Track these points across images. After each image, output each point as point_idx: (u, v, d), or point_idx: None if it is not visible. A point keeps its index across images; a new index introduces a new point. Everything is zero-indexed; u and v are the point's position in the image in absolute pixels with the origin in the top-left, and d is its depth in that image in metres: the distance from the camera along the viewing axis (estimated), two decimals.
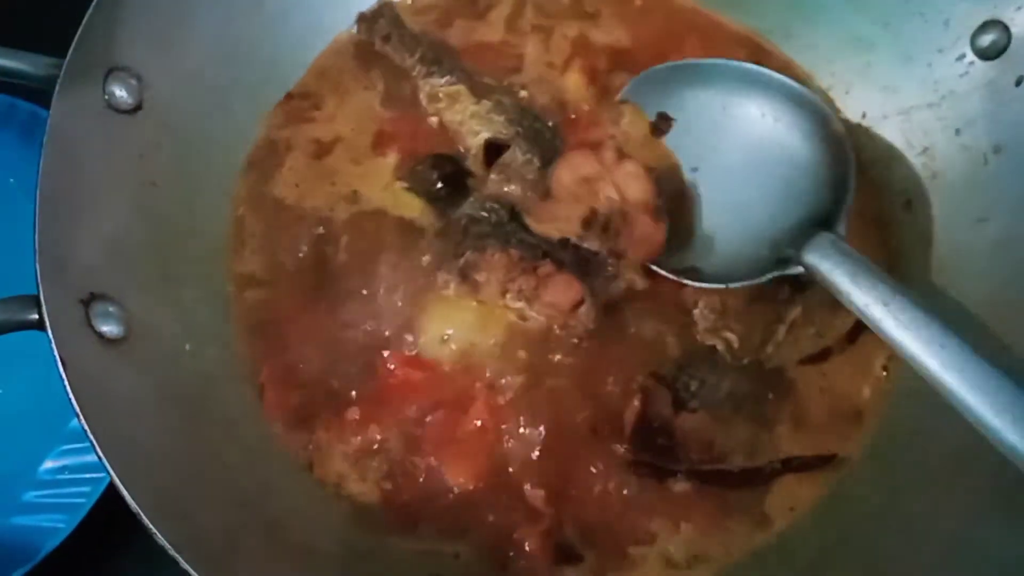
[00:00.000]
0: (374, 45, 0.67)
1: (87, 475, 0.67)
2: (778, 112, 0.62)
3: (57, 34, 0.51)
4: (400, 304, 0.59)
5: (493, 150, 0.62)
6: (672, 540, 0.55)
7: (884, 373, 0.59)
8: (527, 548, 0.54)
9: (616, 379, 0.57)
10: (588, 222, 0.57)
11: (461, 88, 0.64)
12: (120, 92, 0.54)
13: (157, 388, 0.52)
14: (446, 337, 0.58)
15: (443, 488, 0.56)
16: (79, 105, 0.51)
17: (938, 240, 0.61)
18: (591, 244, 0.57)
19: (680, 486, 0.56)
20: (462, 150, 0.64)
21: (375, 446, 0.57)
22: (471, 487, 0.56)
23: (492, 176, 0.61)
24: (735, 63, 0.63)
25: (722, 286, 0.58)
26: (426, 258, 0.60)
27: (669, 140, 0.64)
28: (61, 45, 0.51)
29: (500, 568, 0.55)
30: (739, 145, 0.62)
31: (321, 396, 0.58)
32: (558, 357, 0.58)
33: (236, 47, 0.63)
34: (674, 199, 0.61)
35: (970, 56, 0.60)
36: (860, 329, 0.59)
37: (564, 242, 0.58)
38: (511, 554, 0.55)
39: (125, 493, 0.43)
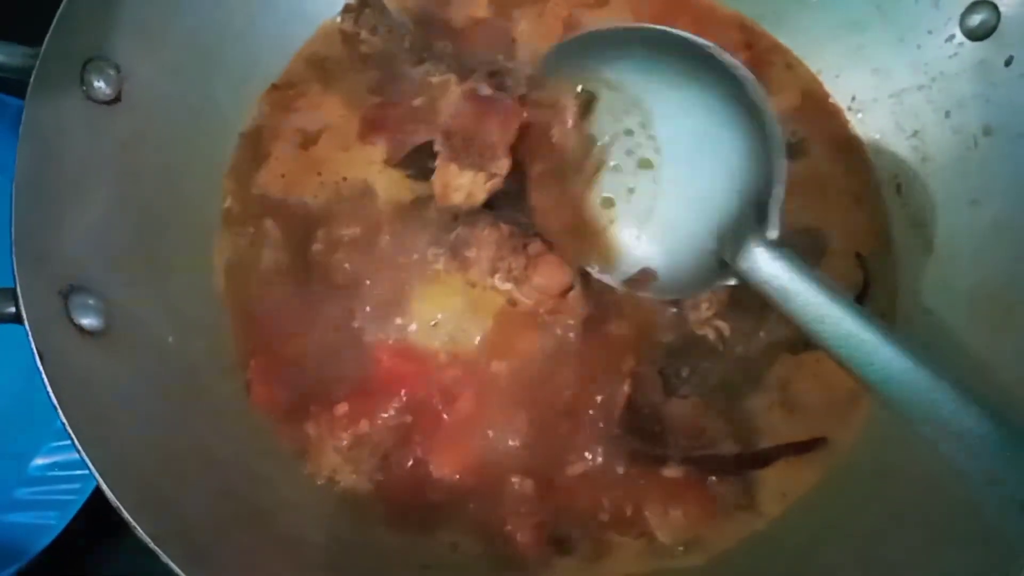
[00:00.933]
0: (360, 36, 0.67)
1: (78, 471, 0.67)
2: (703, 82, 0.54)
3: (35, 23, 0.50)
4: (390, 290, 0.59)
5: None
6: (664, 527, 0.55)
7: None
8: (519, 539, 0.54)
9: (606, 366, 0.57)
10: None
11: (451, 77, 0.63)
12: (99, 83, 0.53)
13: (140, 381, 0.51)
14: (435, 323, 0.58)
15: (434, 479, 0.56)
16: (56, 96, 0.50)
17: (930, 223, 0.61)
18: None
19: (672, 472, 0.55)
20: None
21: (366, 437, 0.56)
22: (461, 478, 0.55)
23: None
24: (647, 27, 0.56)
25: (669, 298, 0.57)
26: (416, 242, 0.59)
27: (597, 121, 0.59)
28: (39, 35, 0.50)
29: (492, 559, 0.54)
30: (675, 124, 0.57)
31: (311, 388, 0.57)
32: (548, 344, 0.57)
33: (219, 35, 0.62)
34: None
35: (959, 37, 0.59)
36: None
37: None
38: (502, 544, 0.54)
39: (105, 487, 0.43)
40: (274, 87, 0.66)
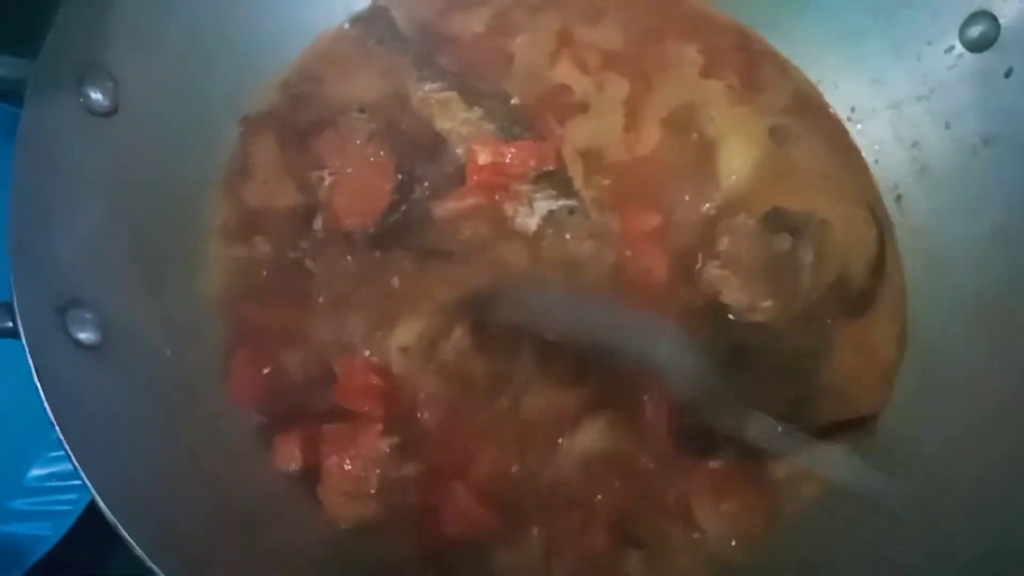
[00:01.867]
0: (367, 44, 0.67)
1: (74, 482, 0.67)
2: None
3: (30, 35, 0.50)
4: (377, 301, 0.59)
5: None
6: (711, 519, 0.54)
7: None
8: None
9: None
10: None
11: (453, 95, 0.64)
12: (96, 95, 0.53)
13: (136, 394, 0.51)
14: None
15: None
16: (53, 108, 0.50)
17: (931, 233, 0.61)
18: None
19: (717, 463, 0.55)
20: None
21: (360, 453, 0.55)
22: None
23: None
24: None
25: None
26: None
27: None
28: (35, 47, 0.50)
29: None
30: None
31: (300, 404, 0.57)
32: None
33: (215, 47, 0.62)
34: None
35: (959, 48, 0.59)
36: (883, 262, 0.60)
37: None
38: None
39: (99, 500, 0.42)
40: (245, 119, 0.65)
